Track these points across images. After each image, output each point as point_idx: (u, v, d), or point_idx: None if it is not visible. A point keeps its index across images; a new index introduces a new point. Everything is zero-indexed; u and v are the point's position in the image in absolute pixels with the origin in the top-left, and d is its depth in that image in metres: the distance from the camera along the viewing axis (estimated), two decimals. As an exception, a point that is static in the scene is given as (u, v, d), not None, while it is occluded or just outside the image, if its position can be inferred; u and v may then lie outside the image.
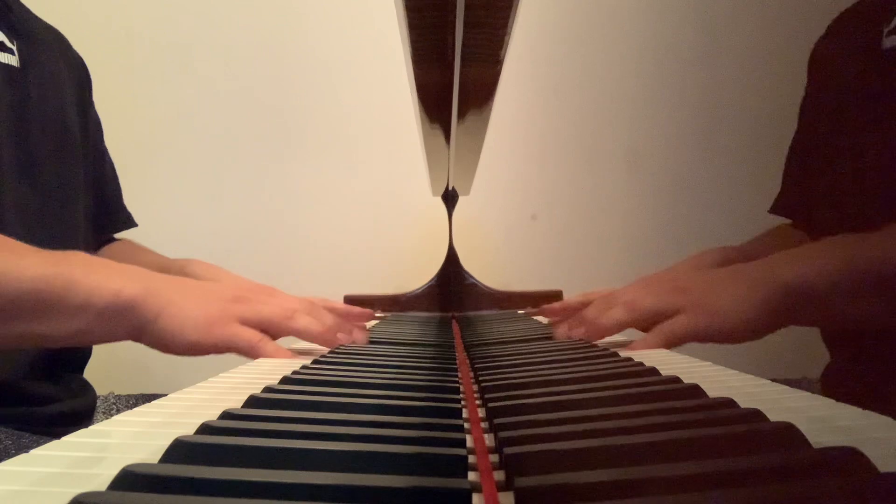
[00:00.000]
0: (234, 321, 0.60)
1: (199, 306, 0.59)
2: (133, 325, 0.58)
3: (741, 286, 0.60)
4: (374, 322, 0.89)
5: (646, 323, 0.62)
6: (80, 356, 0.86)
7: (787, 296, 0.58)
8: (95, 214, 0.92)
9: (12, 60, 0.78)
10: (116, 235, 0.99)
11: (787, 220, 0.94)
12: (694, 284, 0.63)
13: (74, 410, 0.81)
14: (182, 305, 0.59)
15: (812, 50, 0.92)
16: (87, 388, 0.87)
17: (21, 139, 0.77)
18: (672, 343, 0.60)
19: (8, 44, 0.78)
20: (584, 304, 0.76)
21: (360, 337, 0.66)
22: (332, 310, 0.81)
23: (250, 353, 0.60)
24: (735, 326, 0.58)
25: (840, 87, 0.83)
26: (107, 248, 0.98)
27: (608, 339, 0.68)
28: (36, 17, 0.88)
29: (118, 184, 0.99)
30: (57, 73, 0.85)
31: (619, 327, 0.64)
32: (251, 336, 0.60)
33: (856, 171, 0.79)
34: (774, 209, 0.94)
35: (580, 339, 0.64)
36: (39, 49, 0.83)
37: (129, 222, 0.99)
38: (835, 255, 0.59)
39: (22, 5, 0.86)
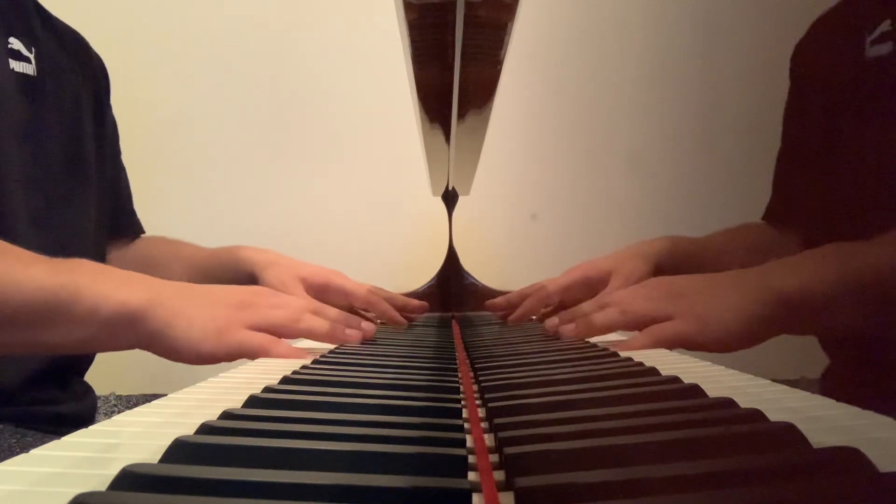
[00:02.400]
0: (243, 327, 0.60)
1: (207, 315, 0.59)
2: (140, 334, 0.58)
3: (735, 294, 0.60)
4: None
5: (638, 326, 0.63)
6: (83, 361, 0.86)
7: (780, 305, 0.58)
8: (110, 216, 0.92)
9: (28, 69, 0.78)
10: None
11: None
12: (688, 290, 0.63)
13: (76, 412, 0.81)
14: (191, 315, 0.58)
15: (793, 53, 0.91)
16: (88, 390, 0.87)
17: (34, 148, 0.77)
18: (661, 346, 0.60)
19: (25, 52, 0.78)
20: (524, 296, 0.84)
21: (368, 329, 0.67)
22: (389, 299, 0.85)
23: (261, 355, 0.60)
24: (726, 335, 0.58)
25: (825, 96, 0.82)
26: (142, 243, 0.98)
27: (607, 337, 0.68)
28: (56, 18, 0.88)
29: (129, 189, 1.00)
30: (74, 80, 0.85)
31: (611, 328, 0.64)
32: (262, 340, 0.60)
33: (847, 179, 0.79)
34: (766, 217, 0.94)
35: (570, 336, 0.64)
36: (58, 55, 0.83)
37: (134, 229, 0.99)
38: (829, 264, 0.59)
39: (42, 7, 0.85)
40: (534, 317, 0.86)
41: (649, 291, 0.65)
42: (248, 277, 0.84)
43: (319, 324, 0.64)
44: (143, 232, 1.00)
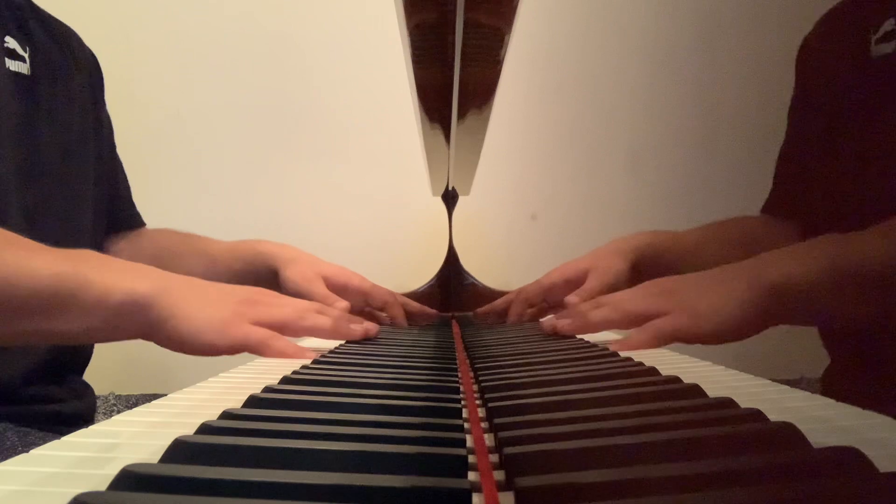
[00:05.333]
0: (247, 322, 0.60)
1: (213, 307, 0.60)
2: (144, 323, 0.58)
3: (727, 286, 0.60)
4: None
5: (633, 324, 0.63)
6: (81, 358, 0.86)
7: (772, 296, 0.58)
8: (109, 212, 0.92)
9: (23, 68, 0.78)
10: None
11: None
12: (681, 286, 0.63)
13: (75, 412, 0.81)
14: (196, 306, 0.59)
15: (800, 47, 0.91)
16: (87, 389, 0.87)
17: (29, 147, 0.77)
18: (657, 341, 0.60)
19: (20, 51, 0.78)
20: (508, 303, 0.88)
21: (372, 328, 0.67)
22: (405, 305, 0.88)
23: (262, 349, 0.60)
24: (720, 326, 0.59)
25: (830, 93, 0.82)
26: (147, 235, 0.97)
27: (607, 336, 0.68)
28: (48, 15, 0.87)
29: (127, 182, 1.00)
30: (68, 78, 0.85)
31: (606, 325, 0.65)
32: (264, 335, 0.60)
33: (851, 175, 0.79)
34: (766, 209, 0.95)
35: (566, 330, 0.65)
36: (52, 53, 0.83)
37: (137, 220, 0.99)
38: (820, 255, 0.59)
39: (34, 5, 0.85)
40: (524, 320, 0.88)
41: (643, 291, 0.65)
42: (269, 272, 0.85)
43: (323, 321, 0.64)
44: (144, 224, 1.00)
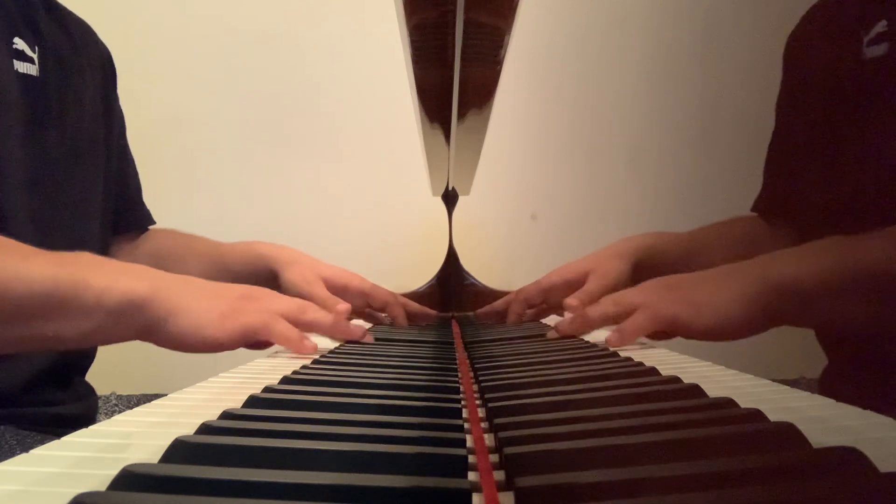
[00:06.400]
0: (245, 316, 0.61)
1: (211, 304, 0.60)
2: (143, 324, 0.58)
3: (731, 284, 0.60)
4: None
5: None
6: (84, 360, 0.86)
7: (776, 295, 0.58)
8: (116, 211, 0.92)
9: (31, 70, 0.77)
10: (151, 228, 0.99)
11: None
12: (684, 283, 0.63)
13: (77, 413, 0.81)
14: (194, 303, 0.59)
15: (787, 43, 0.91)
16: (90, 391, 0.87)
17: (37, 150, 0.77)
18: (655, 323, 0.60)
19: (29, 52, 0.77)
20: (508, 303, 0.88)
21: (369, 337, 0.68)
22: (404, 305, 0.88)
23: (264, 332, 0.60)
24: (721, 322, 0.58)
25: (821, 92, 0.82)
26: (153, 236, 0.97)
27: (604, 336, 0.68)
28: (62, 7, 0.86)
29: (139, 181, 0.99)
30: (79, 77, 0.84)
31: (606, 320, 0.65)
32: (265, 318, 0.60)
33: (843, 177, 0.78)
34: (756, 208, 0.95)
35: (567, 331, 0.65)
36: (63, 52, 0.82)
37: (148, 220, 0.99)
38: (825, 256, 0.59)
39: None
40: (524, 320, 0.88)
41: (644, 285, 0.65)
42: (268, 273, 0.85)
43: (323, 315, 0.64)
44: (154, 223, 0.99)
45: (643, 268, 0.83)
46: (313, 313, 0.64)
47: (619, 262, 0.82)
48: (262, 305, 0.62)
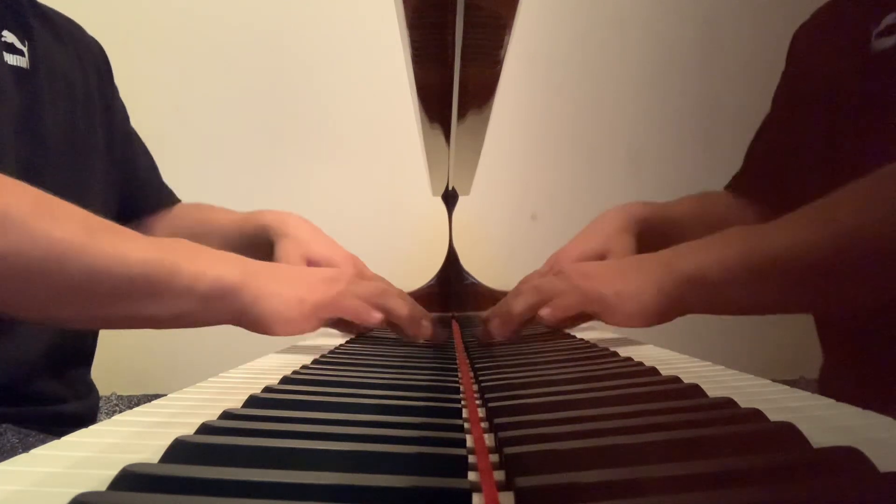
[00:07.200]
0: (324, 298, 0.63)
1: (294, 288, 0.63)
2: (233, 309, 0.60)
3: (641, 274, 0.62)
4: None
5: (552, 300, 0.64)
6: (85, 350, 0.86)
7: (682, 284, 0.60)
8: (131, 196, 0.93)
9: (21, 62, 0.77)
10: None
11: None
12: (597, 271, 0.65)
13: (78, 412, 0.81)
14: (276, 289, 0.61)
15: (793, 36, 0.91)
16: (91, 389, 0.87)
17: (30, 142, 0.77)
18: (584, 303, 0.62)
19: (18, 45, 0.77)
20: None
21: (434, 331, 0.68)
22: (399, 296, 0.85)
23: (337, 308, 0.63)
24: (640, 310, 0.61)
25: (827, 85, 0.82)
26: (178, 213, 0.99)
27: (607, 336, 0.68)
28: (49, 9, 0.87)
29: (153, 162, 1.00)
30: (70, 71, 0.85)
31: (529, 309, 0.64)
32: (357, 304, 0.63)
33: (846, 171, 0.78)
34: (731, 186, 0.95)
35: (497, 333, 0.65)
36: (52, 47, 0.82)
37: (169, 198, 1.00)
38: (729, 245, 0.61)
39: (33, 1, 0.85)
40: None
41: (562, 274, 0.66)
42: (268, 245, 0.84)
43: (401, 305, 0.65)
44: (178, 200, 1.00)
45: (643, 238, 0.82)
46: (392, 300, 0.65)
47: (630, 238, 0.82)
48: (343, 288, 0.64)
